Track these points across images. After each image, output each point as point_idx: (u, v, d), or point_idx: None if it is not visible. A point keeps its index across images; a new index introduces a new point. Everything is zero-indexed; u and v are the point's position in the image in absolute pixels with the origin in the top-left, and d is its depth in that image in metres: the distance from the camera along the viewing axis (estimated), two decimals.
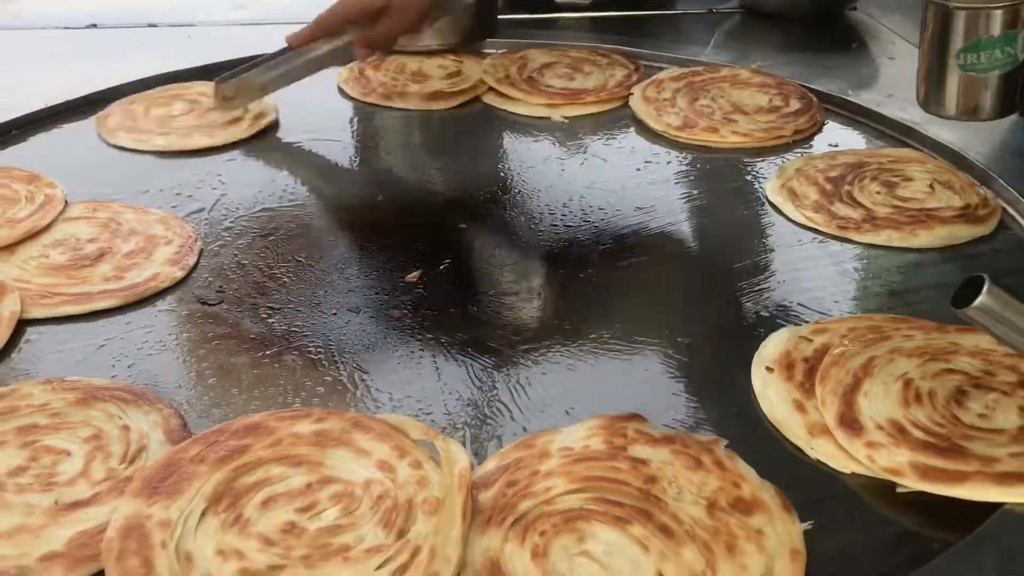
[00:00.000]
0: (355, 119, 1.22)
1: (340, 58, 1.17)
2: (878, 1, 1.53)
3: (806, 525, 0.57)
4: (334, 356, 0.75)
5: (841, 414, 0.65)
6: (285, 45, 1.13)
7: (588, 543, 0.56)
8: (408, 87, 1.25)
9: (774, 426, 0.67)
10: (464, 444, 0.65)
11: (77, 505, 0.59)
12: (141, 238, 0.91)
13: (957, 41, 0.84)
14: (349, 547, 0.56)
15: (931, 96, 0.91)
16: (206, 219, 0.95)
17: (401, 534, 0.56)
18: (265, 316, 0.81)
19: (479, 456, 0.64)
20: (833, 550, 0.57)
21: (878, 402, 0.65)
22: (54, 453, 0.63)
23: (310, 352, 0.76)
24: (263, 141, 1.13)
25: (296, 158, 1.11)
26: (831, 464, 0.63)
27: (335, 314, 0.81)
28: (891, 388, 0.67)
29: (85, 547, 0.56)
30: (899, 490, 0.60)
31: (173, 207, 0.97)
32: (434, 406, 0.70)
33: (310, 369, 0.74)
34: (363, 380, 0.73)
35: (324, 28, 1.12)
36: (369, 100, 1.24)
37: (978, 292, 0.48)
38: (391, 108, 1.22)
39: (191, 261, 0.88)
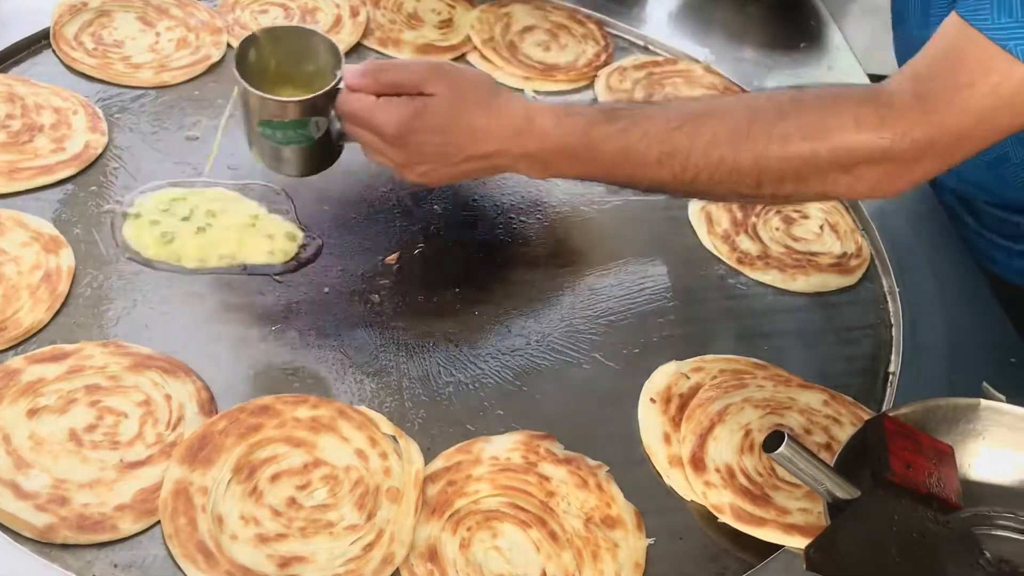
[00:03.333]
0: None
1: None
2: None
3: (649, 541, 0.83)
4: (325, 337, 0.96)
5: (693, 453, 0.89)
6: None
7: (498, 540, 0.81)
8: (403, 34, 1.39)
9: (646, 451, 0.91)
10: (415, 428, 0.88)
11: (137, 464, 0.81)
12: (50, 111, 1.11)
13: (255, 116, 0.93)
14: (333, 524, 0.80)
15: (251, 146, 0.99)
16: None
17: (370, 516, 0.80)
18: (271, 289, 1.00)
19: (427, 442, 0.87)
20: (667, 562, 0.83)
21: (722, 447, 0.90)
22: (115, 414, 0.84)
23: (308, 333, 0.97)
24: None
25: None
26: (679, 491, 0.88)
27: (327, 292, 1.01)
28: (734, 436, 0.91)
29: (146, 502, 0.79)
30: (720, 519, 0.86)
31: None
32: (399, 394, 0.92)
33: (303, 351, 0.95)
34: (344, 364, 0.94)
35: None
36: (367, 43, 1.37)
37: (781, 441, 0.71)
38: (382, 54, 1.36)
39: (104, 125, 1.12)
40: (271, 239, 1.03)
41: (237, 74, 0.92)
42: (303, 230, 1.05)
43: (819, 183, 0.85)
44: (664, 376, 0.97)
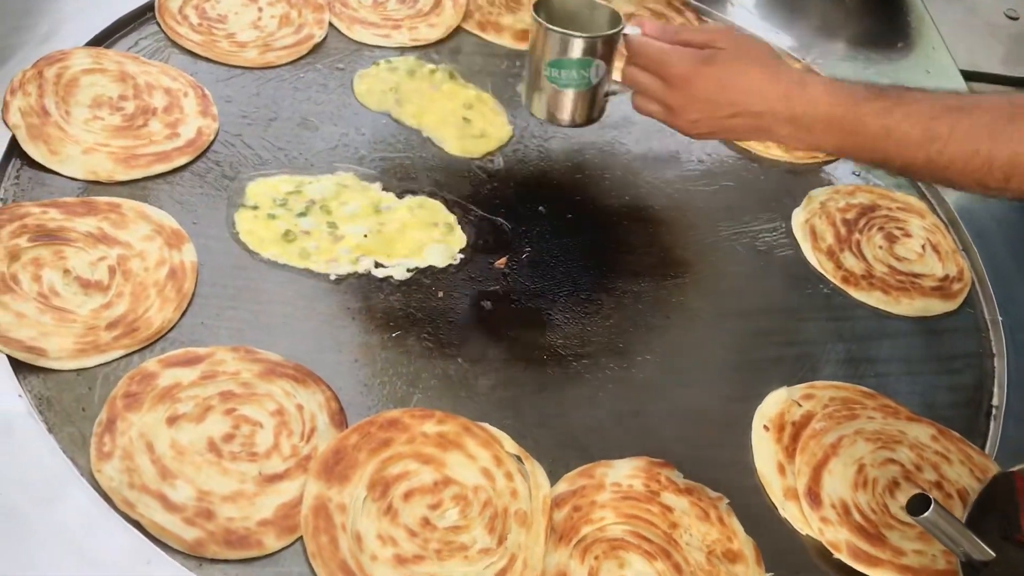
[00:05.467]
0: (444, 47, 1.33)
1: None
2: None
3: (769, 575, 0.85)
4: (443, 346, 0.97)
5: (808, 487, 0.91)
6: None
7: (625, 570, 0.83)
8: (502, 18, 1.37)
9: (761, 480, 0.93)
10: (533, 446, 0.89)
11: (275, 478, 0.82)
12: (161, 92, 1.11)
13: (546, 57, 1.03)
14: (467, 547, 0.81)
15: (528, 99, 1.10)
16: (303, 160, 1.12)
17: (501, 540, 0.82)
18: (388, 292, 1.01)
19: (547, 462, 0.88)
20: None
21: (837, 481, 0.92)
22: (251, 423, 0.85)
23: (426, 339, 0.97)
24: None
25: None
26: (794, 524, 0.90)
27: (441, 297, 1.02)
28: (848, 470, 0.93)
29: (287, 518, 0.80)
30: (835, 555, 0.88)
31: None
32: (516, 408, 0.93)
33: (424, 359, 0.96)
34: (461, 375, 0.95)
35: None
36: (466, 26, 1.35)
37: (927, 505, 0.73)
38: (481, 39, 1.35)
39: (215, 109, 1.12)
40: (426, 232, 1.07)
41: (535, 15, 1.02)
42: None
43: None
44: (776, 403, 0.98)
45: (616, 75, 1.06)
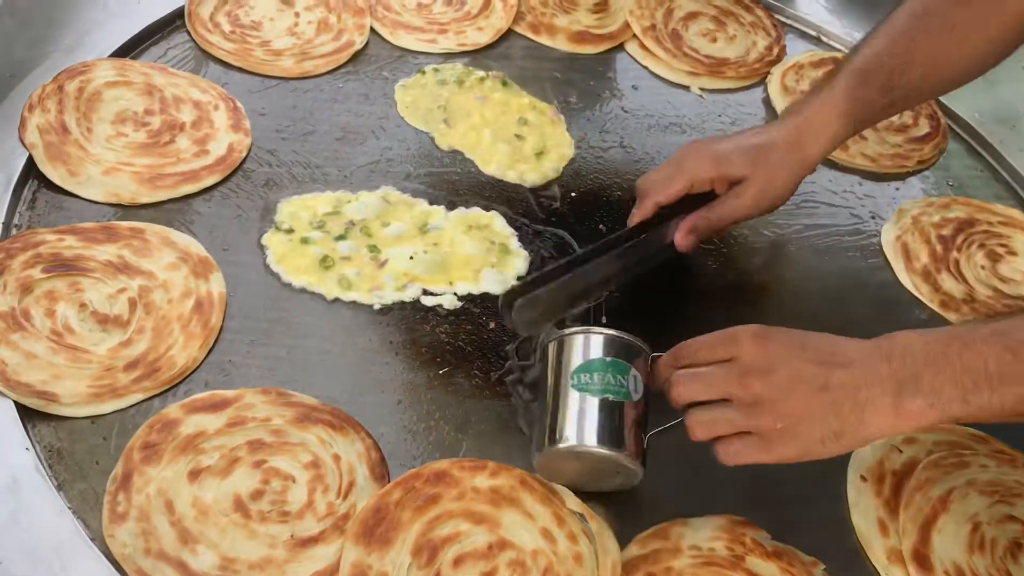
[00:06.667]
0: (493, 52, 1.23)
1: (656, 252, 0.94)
2: None
3: None
4: (495, 384, 0.87)
5: (916, 550, 0.79)
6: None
7: None
8: (556, 19, 1.27)
9: (860, 541, 0.81)
10: (598, 499, 0.78)
11: (309, 542, 0.73)
12: (190, 105, 1.02)
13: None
14: None
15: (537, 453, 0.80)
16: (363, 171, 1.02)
17: None
18: (435, 323, 0.91)
19: (614, 520, 0.77)
20: None
21: (948, 542, 0.80)
22: (282, 477, 0.76)
23: (476, 376, 0.87)
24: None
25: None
26: None
27: (492, 328, 0.92)
28: (961, 529, 0.81)
29: None
30: None
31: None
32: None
33: (475, 399, 0.86)
34: (516, 418, 0.84)
35: (663, 201, 0.92)
36: (518, 29, 1.25)
37: None
38: (533, 42, 1.25)
39: (247, 123, 1.02)
40: (480, 253, 0.96)
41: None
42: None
43: None
44: (872, 449, 0.87)
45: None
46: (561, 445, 0.76)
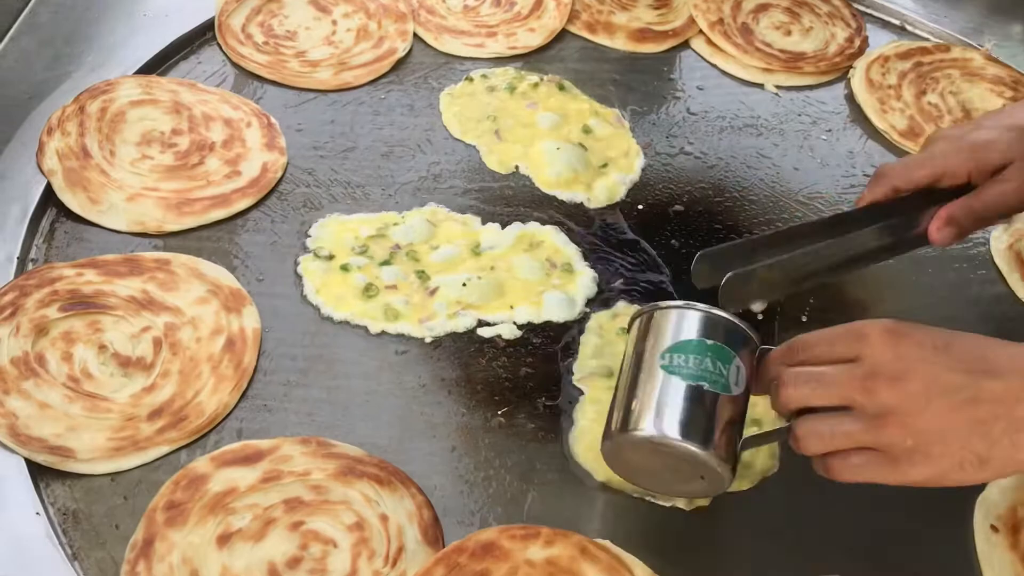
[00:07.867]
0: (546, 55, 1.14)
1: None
2: None
3: None
4: (558, 431, 0.77)
5: None
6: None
7: None
8: (613, 16, 1.17)
9: None
10: (671, 562, 0.67)
11: None
12: (221, 124, 0.94)
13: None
14: None
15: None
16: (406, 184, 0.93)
17: None
18: (491, 356, 0.81)
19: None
20: None
21: None
22: (322, 542, 0.67)
23: (536, 419, 0.77)
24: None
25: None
26: None
27: (566, 364, 0.81)
28: None
29: None
30: None
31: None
32: (645, 515, 0.72)
33: (539, 443, 0.76)
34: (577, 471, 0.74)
35: (902, 187, 0.78)
36: (573, 28, 1.15)
37: None
38: (590, 43, 1.15)
39: (282, 141, 0.94)
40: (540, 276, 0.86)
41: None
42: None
43: None
44: (1002, 492, 0.75)
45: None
46: (636, 433, 0.63)
